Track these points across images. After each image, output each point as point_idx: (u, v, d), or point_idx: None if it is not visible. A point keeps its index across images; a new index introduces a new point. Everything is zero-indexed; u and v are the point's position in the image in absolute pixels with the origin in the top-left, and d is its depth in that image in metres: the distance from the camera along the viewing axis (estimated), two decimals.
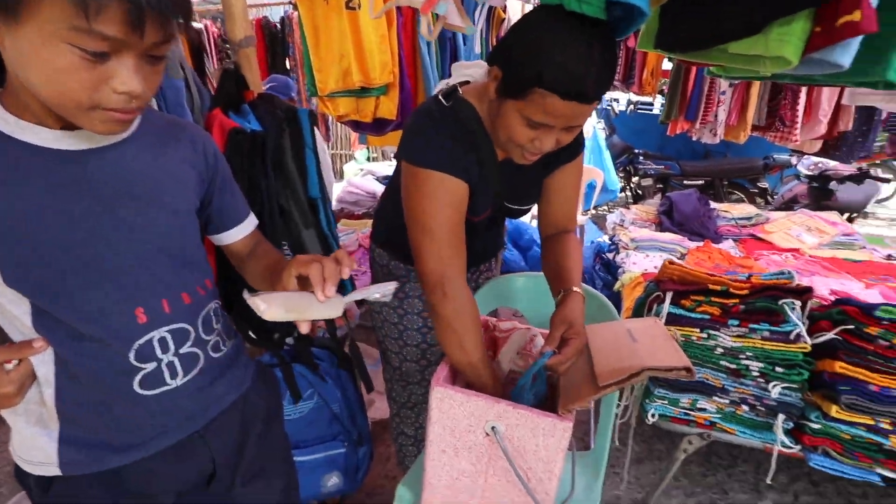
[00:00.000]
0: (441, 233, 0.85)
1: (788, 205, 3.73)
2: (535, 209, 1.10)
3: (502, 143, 0.86)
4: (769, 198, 4.42)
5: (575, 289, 0.92)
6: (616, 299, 2.03)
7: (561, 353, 0.84)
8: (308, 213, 1.25)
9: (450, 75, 1.06)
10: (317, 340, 1.33)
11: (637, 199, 5.24)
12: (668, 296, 1.22)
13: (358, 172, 4.73)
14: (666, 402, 1.20)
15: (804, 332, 1.07)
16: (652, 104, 5.84)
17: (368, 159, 6.67)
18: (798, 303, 1.10)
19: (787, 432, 1.12)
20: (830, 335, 1.07)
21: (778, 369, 1.10)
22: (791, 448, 1.11)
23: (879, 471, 1.05)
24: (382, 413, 1.75)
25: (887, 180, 4.38)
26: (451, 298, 0.84)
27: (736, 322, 1.14)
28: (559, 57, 0.70)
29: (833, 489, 1.76)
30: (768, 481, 1.17)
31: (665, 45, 0.90)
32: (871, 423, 1.02)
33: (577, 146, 0.99)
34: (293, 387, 1.16)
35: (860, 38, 0.63)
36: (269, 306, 0.58)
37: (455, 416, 0.84)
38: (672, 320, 1.21)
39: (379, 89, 1.61)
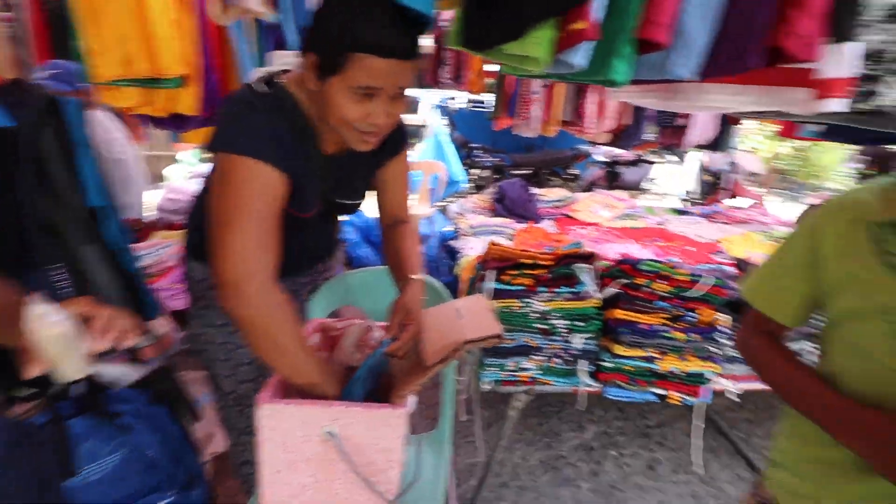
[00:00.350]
0: (248, 226, 0.76)
1: (590, 186, 4.50)
2: None
3: (336, 128, 0.84)
4: (577, 181, 5.26)
5: (413, 276, 0.97)
6: (456, 283, 2.19)
7: (399, 338, 0.88)
8: (88, 227, 1.04)
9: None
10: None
11: (478, 189, 5.70)
12: (492, 273, 1.35)
13: (186, 176, 4.16)
14: (496, 368, 1.34)
15: (593, 290, 1.29)
16: (484, 102, 6.40)
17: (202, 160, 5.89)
18: (588, 266, 1.32)
19: (589, 374, 1.34)
20: (614, 290, 1.31)
21: (578, 323, 1.31)
22: (592, 386, 1.34)
23: (653, 391, 1.33)
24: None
25: (653, 162, 5.56)
26: (255, 296, 0.75)
27: (544, 289, 1.32)
28: (369, 18, 0.73)
29: (635, 412, 2.19)
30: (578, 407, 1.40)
31: (464, 43, 0.98)
32: (644, 354, 1.29)
33: (400, 140, 1.02)
34: (64, 455, 0.92)
35: (592, 43, 0.78)
36: None
37: (287, 429, 0.80)
38: (497, 295, 1.34)
39: (172, 80, 1.41)
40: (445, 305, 1.13)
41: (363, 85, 0.77)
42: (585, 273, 1.31)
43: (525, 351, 1.34)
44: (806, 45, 0.72)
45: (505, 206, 3.17)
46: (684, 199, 4.87)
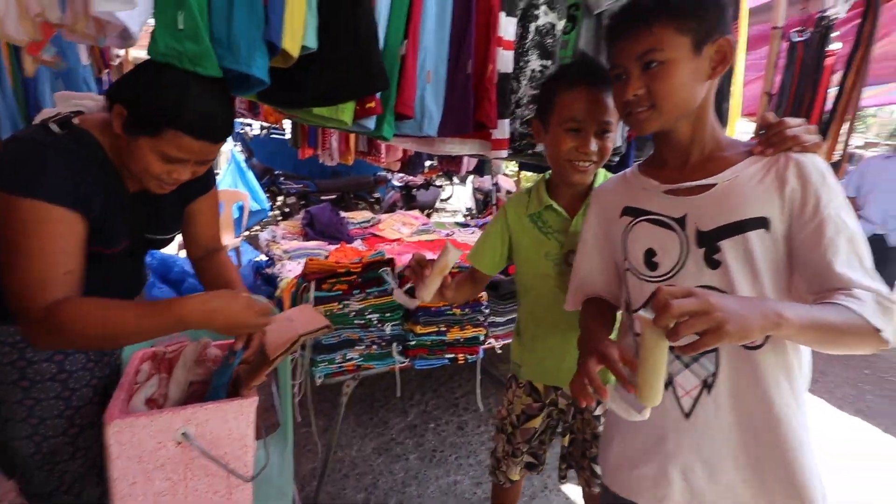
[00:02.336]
0: (48, 267, 0.77)
1: (392, 208, 5.07)
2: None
3: (135, 174, 0.89)
4: (380, 204, 5.79)
5: (244, 294, 1.02)
6: (280, 306, 2.32)
7: (249, 346, 0.96)
8: None
9: (38, 110, 1.01)
10: None
11: (285, 216, 5.68)
12: (313, 284, 1.61)
13: None
14: (326, 363, 1.59)
15: (395, 285, 1.67)
16: (282, 129, 6.39)
17: None
18: (389, 269, 1.70)
19: (400, 353, 1.71)
20: (409, 285, 1.71)
21: (387, 314, 1.68)
22: (405, 362, 1.72)
23: (447, 356, 1.78)
24: None
25: (440, 186, 6.54)
26: (70, 310, 0.76)
27: (358, 291, 1.64)
28: (191, 102, 0.81)
29: (445, 389, 2.68)
30: (398, 394, 1.76)
31: (268, 101, 1.22)
32: (437, 329, 1.73)
33: (207, 177, 1.09)
34: None
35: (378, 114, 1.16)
36: None
37: (139, 441, 0.85)
38: (319, 301, 1.60)
39: None
40: (278, 316, 1.34)
41: (172, 156, 0.84)
42: (388, 275, 1.69)
43: (349, 344, 1.63)
44: (490, 120, 1.24)
45: (316, 230, 3.38)
46: (466, 215, 5.91)
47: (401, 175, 5.22)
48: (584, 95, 0.96)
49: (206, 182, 1.08)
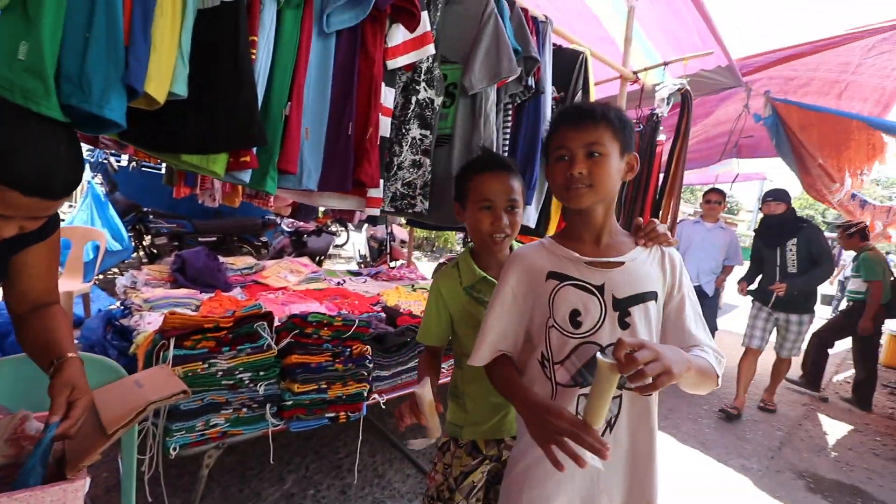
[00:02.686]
0: None
1: (279, 253, 4.82)
2: None
3: None
4: (268, 249, 5.47)
5: (70, 354, 0.91)
6: (134, 363, 2.02)
7: (69, 416, 0.84)
8: None
9: None
10: None
11: (152, 258, 5.06)
12: (172, 341, 1.44)
13: None
14: (183, 431, 1.41)
15: (272, 343, 1.58)
16: (155, 163, 5.80)
17: None
18: (265, 323, 1.60)
19: (274, 415, 1.59)
20: (287, 339, 1.63)
21: (261, 373, 1.56)
22: (279, 425, 1.59)
23: (327, 415, 1.69)
24: None
25: (335, 233, 6.44)
26: None
27: (227, 348, 1.51)
28: (21, 149, 0.72)
29: (328, 450, 2.51)
30: (271, 461, 1.61)
31: (135, 143, 1.13)
32: (316, 387, 1.65)
33: (51, 222, 0.97)
34: None
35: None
36: None
37: None
38: (178, 361, 1.43)
39: None
40: (123, 380, 1.17)
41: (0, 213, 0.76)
42: (265, 330, 1.59)
43: (213, 408, 1.47)
44: (370, 179, 1.29)
45: (188, 277, 3.07)
46: (359, 262, 5.85)
47: (291, 220, 5.03)
48: (492, 179, 1.13)
49: (42, 228, 0.93)
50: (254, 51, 1.10)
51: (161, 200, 5.24)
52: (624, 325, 0.93)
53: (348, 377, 1.72)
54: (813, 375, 4.42)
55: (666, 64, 2.63)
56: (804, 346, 3.69)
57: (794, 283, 3.42)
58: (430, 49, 1.42)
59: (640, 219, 1.05)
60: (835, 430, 3.75)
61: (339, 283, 3.58)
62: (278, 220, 5.19)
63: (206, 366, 1.46)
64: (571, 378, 0.95)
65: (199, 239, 5.11)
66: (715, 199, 4.04)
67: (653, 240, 1.02)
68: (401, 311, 2.55)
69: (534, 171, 1.74)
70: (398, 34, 1.39)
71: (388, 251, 5.08)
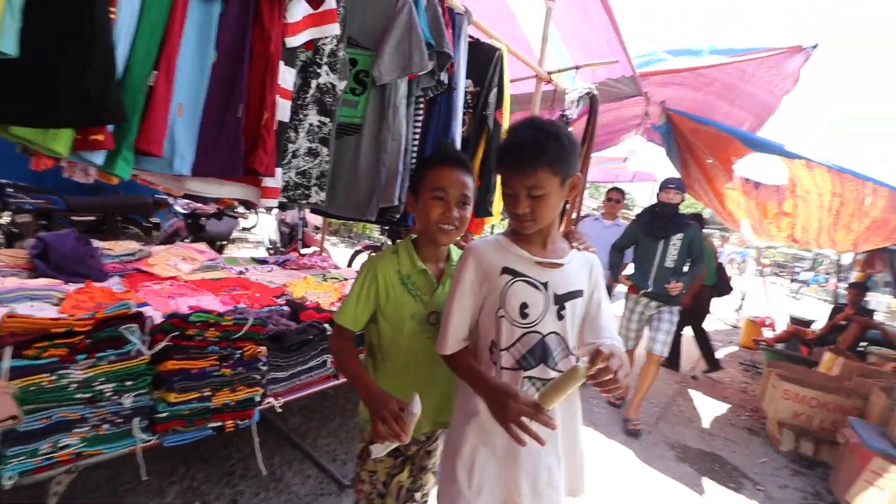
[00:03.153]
0: None
1: (171, 238, 4.32)
2: None
3: None
4: (159, 231, 4.89)
5: None
6: None
7: None
8: None
9: None
10: None
11: (11, 238, 4.28)
12: (8, 350, 1.19)
13: None
14: (23, 457, 1.18)
15: (142, 348, 1.38)
16: None
17: None
18: (134, 326, 1.40)
19: (144, 430, 1.40)
20: (164, 343, 1.44)
21: (128, 383, 1.36)
22: (150, 440, 1.41)
23: (211, 425, 1.54)
24: None
25: (242, 215, 5.96)
26: None
27: (84, 356, 1.29)
28: None
29: (217, 457, 2.32)
30: (143, 477, 1.43)
31: None
32: (199, 395, 1.48)
33: None
34: None
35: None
36: None
37: None
38: (17, 374, 1.19)
39: None
40: None
41: None
42: (134, 333, 1.39)
43: (64, 427, 1.25)
44: (265, 167, 1.16)
45: (51, 264, 2.63)
46: (269, 248, 5.47)
47: (186, 201, 4.51)
48: (447, 172, 1.17)
49: None
50: (113, 8, 0.92)
51: (24, 171, 4.42)
52: (560, 317, 1.10)
53: (237, 382, 1.57)
54: (671, 357, 5.01)
55: (577, 68, 2.73)
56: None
57: (683, 280, 3.36)
58: (334, 28, 1.31)
59: (572, 228, 1.20)
60: (701, 404, 4.29)
61: (240, 273, 3.30)
62: (170, 200, 4.63)
63: (54, 378, 1.23)
64: (516, 362, 1.09)
65: (73, 218, 4.42)
66: (615, 198, 4.32)
67: (584, 246, 1.22)
68: (307, 304, 2.41)
69: None
70: (299, 8, 1.26)
71: (300, 237, 4.79)
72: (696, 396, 4.47)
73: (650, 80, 3.52)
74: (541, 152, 1.01)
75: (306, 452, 2.48)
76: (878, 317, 6.21)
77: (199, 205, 4.46)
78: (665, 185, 3.37)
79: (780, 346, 5.57)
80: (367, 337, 1.31)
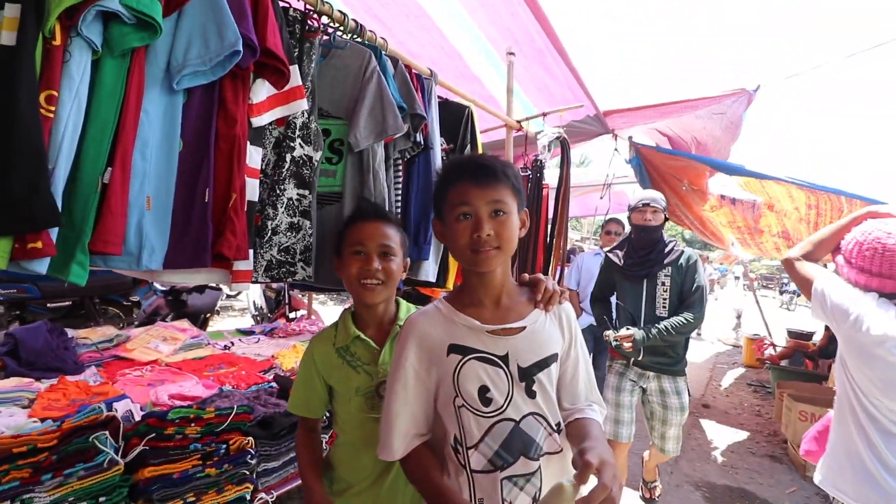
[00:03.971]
0: None
1: (152, 317, 4.16)
2: None
3: None
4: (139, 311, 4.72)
5: None
6: None
7: None
8: None
9: None
10: None
11: None
12: None
13: None
14: None
15: (115, 456, 1.26)
16: None
17: None
18: (106, 433, 1.28)
19: None
20: (139, 448, 1.32)
21: (102, 499, 1.22)
22: None
23: None
24: None
25: (219, 288, 5.82)
26: None
27: (49, 475, 1.16)
28: None
29: None
30: None
31: None
32: (182, 502, 1.35)
33: None
34: None
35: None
36: None
37: None
38: None
39: None
40: None
41: None
42: (106, 441, 1.27)
43: None
44: (234, 251, 1.11)
45: (22, 361, 2.49)
46: (255, 315, 5.31)
47: None
48: (364, 225, 1.12)
49: None
50: (51, 107, 0.87)
51: None
52: (532, 394, 0.90)
53: (224, 482, 1.43)
54: None
55: (545, 115, 2.80)
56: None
57: (666, 337, 2.29)
58: (301, 104, 1.29)
59: (526, 275, 1.03)
60: (717, 434, 4.13)
61: (225, 347, 3.16)
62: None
63: None
64: (489, 461, 0.87)
65: (49, 305, 4.25)
66: (614, 230, 3.90)
67: (552, 303, 0.99)
68: (293, 379, 2.28)
69: (429, 225, 1.68)
70: (263, 90, 1.25)
71: (287, 301, 4.66)
72: (710, 427, 4.32)
73: (614, 117, 3.63)
74: (502, 167, 0.91)
75: None
76: None
77: None
78: (638, 205, 2.39)
79: (784, 362, 5.50)
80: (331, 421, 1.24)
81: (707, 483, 3.21)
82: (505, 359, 0.89)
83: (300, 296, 4.85)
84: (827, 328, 5.60)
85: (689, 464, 3.50)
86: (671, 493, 3.04)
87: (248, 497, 1.50)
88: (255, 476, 1.53)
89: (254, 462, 1.52)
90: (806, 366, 5.29)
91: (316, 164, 1.38)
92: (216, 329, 3.79)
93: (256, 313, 5.30)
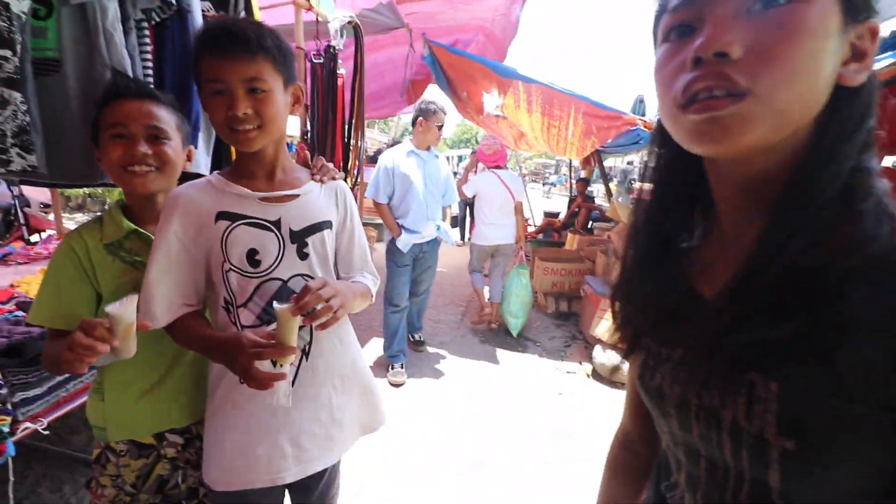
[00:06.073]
0: None
1: None
2: None
3: None
4: None
5: None
6: None
7: None
8: None
9: None
10: None
11: None
12: None
13: None
14: None
15: None
16: None
17: None
18: None
19: None
20: None
21: None
22: None
23: None
24: None
25: None
26: None
27: None
28: None
29: None
30: None
31: None
32: None
33: None
34: None
35: None
36: None
37: None
38: None
39: None
40: None
41: None
42: None
43: None
44: None
45: None
46: None
47: None
48: (125, 104, 0.96)
49: None
50: None
51: None
52: (303, 256, 0.96)
53: None
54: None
55: None
56: None
57: None
58: None
59: (316, 158, 1.10)
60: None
61: None
62: None
63: None
64: (257, 318, 0.94)
65: None
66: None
67: (327, 176, 1.06)
68: None
69: (191, 106, 1.42)
70: None
71: (23, 222, 3.58)
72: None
73: (406, 5, 3.60)
74: (259, 37, 0.83)
75: None
76: (598, 201, 8.29)
77: None
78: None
79: (540, 236, 7.00)
80: None
81: (483, 331, 4.08)
82: (277, 224, 0.94)
83: (41, 213, 3.81)
84: (569, 207, 7.30)
85: (471, 318, 4.35)
86: (457, 342, 3.79)
87: (5, 430, 1.30)
88: (10, 407, 1.32)
89: (5, 392, 1.29)
90: (553, 238, 6.86)
91: (19, 15, 1.05)
92: None
93: None
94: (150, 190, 0.99)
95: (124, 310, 0.77)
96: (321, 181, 1.04)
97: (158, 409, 1.05)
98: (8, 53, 1.04)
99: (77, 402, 1.54)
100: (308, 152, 2.49)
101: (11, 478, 1.33)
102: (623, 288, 0.60)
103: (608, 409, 2.86)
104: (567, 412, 2.82)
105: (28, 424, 1.37)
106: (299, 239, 0.96)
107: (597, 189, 9.56)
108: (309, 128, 2.55)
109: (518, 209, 3.81)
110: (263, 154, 0.94)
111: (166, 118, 1.00)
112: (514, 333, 3.92)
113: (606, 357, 3.25)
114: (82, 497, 1.92)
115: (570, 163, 9.07)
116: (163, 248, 0.90)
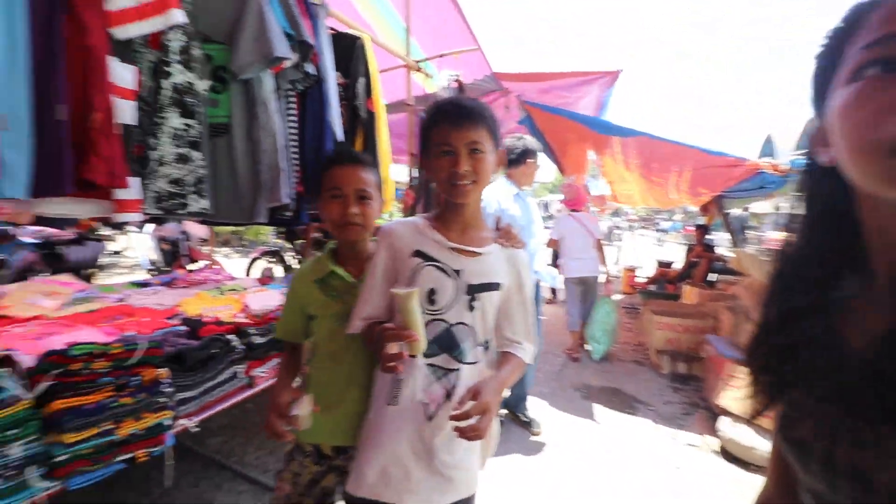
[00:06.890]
0: None
1: (23, 274, 3.70)
2: None
3: None
4: (6, 270, 4.15)
5: None
6: None
7: None
8: None
9: None
10: None
11: None
12: None
13: None
14: None
15: (20, 392, 1.26)
16: None
17: None
18: (6, 370, 1.26)
19: (43, 477, 1.29)
20: (46, 383, 1.32)
21: (11, 432, 1.23)
22: (53, 486, 1.30)
23: (120, 458, 1.44)
24: None
25: (108, 238, 5.29)
26: None
27: None
28: None
29: (121, 486, 2.14)
30: None
31: None
32: (99, 430, 1.39)
33: None
34: None
35: None
36: None
37: None
38: None
39: None
40: None
41: None
42: (6, 378, 1.25)
43: None
44: (107, 177, 1.10)
45: None
46: (150, 270, 4.94)
47: (36, 228, 3.85)
48: (342, 170, 1.19)
49: None
50: None
51: None
52: (471, 308, 1.07)
53: (142, 409, 1.49)
54: None
55: (442, 56, 2.89)
56: None
57: None
58: (174, 16, 1.19)
59: (504, 224, 1.24)
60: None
61: (119, 300, 2.97)
62: (12, 230, 3.90)
63: None
64: None
65: None
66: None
67: (509, 243, 1.17)
68: (204, 320, 2.29)
69: (326, 149, 1.71)
70: None
71: (185, 252, 4.39)
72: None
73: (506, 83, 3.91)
74: (480, 111, 1.02)
75: (234, 470, 2.39)
76: (720, 251, 7.52)
77: (53, 230, 3.85)
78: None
79: (651, 287, 6.50)
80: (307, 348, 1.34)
81: (585, 385, 3.85)
82: (458, 273, 1.06)
83: (199, 247, 4.61)
84: (687, 257, 6.71)
85: (574, 372, 4.14)
86: (555, 394, 3.62)
87: (168, 423, 1.57)
88: (172, 404, 1.60)
89: (170, 391, 1.58)
90: (666, 289, 6.32)
91: (201, 92, 1.36)
92: (102, 284, 3.50)
93: (151, 268, 4.92)
94: (356, 240, 1.24)
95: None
96: (503, 245, 1.15)
97: (338, 425, 1.20)
98: (193, 122, 1.36)
99: (219, 407, 1.81)
100: (415, 196, 2.71)
101: (169, 462, 1.59)
102: (762, 339, 0.57)
103: (737, 494, 2.45)
104: (687, 491, 2.48)
105: (183, 421, 1.64)
106: (472, 292, 1.06)
107: (719, 238, 8.68)
108: (416, 175, 2.77)
109: (597, 246, 4.27)
110: (465, 208, 1.09)
111: (370, 181, 1.22)
112: (596, 358, 4.30)
113: (737, 432, 2.81)
114: (214, 497, 2.19)
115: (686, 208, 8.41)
116: (372, 273, 1.12)
